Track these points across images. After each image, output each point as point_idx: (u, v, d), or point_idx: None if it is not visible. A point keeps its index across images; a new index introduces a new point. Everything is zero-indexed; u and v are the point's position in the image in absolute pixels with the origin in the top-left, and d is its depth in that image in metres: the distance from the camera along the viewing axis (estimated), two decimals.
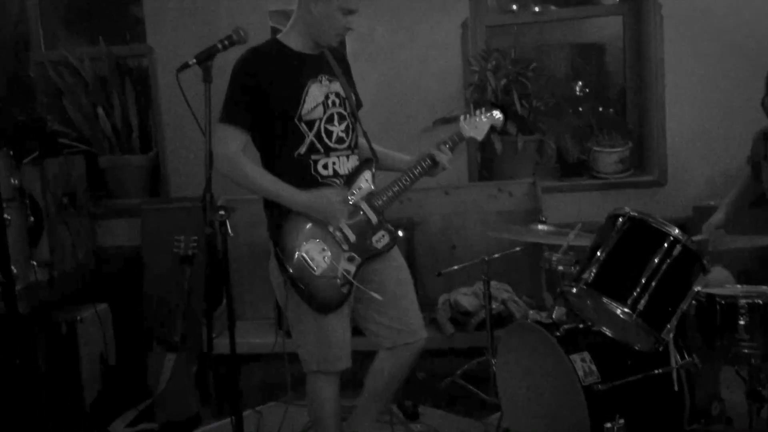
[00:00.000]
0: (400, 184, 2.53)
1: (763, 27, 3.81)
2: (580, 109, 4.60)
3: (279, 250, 2.37)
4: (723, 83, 3.84)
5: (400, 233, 2.59)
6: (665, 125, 4.01)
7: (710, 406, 2.72)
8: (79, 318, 3.63)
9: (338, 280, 2.40)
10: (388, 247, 2.51)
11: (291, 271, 2.35)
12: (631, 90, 4.31)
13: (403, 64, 4.16)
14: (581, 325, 2.65)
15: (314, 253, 2.37)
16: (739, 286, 2.63)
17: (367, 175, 2.52)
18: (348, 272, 2.41)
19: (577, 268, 2.54)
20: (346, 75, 2.57)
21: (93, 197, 4.20)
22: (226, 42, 2.16)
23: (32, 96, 4.44)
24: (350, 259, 2.43)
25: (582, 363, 2.46)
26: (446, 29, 4.11)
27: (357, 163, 2.55)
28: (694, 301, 2.47)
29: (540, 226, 3.13)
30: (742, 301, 2.37)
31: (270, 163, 2.44)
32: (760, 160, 2.94)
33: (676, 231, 2.37)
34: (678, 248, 2.35)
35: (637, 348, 2.48)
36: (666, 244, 2.36)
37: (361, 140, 2.64)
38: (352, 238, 2.45)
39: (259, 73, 2.36)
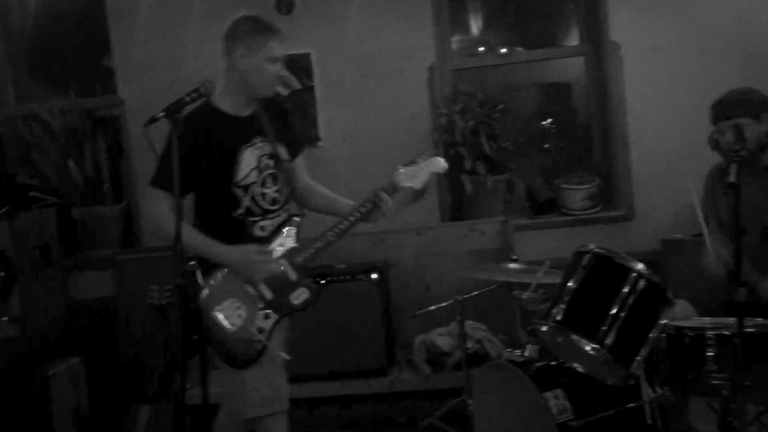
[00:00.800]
0: (325, 240, 2.52)
1: (718, 63, 3.95)
2: (547, 147, 4.69)
3: (195, 309, 2.37)
4: (683, 118, 3.95)
5: (319, 284, 2.60)
6: (630, 161, 4.11)
7: None
8: (51, 373, 3.58)
9: (253, 339, 2.42)
10: (307, 302, 2.51)
11: (205, 329, 2.36)
12: (597, 128, 4.41)
13: (372, 109, 4.24)
14: (554, 362, 2.67)
15: (229, 312, 2.41)
16: (706, 318, 2.68)
17: (289, 231, 2.54)
18: (262, 330, 2.43)
19: (547, 305, 2.57)
20: (279, 127, 2.60)
21: (65, 249, 4.18)
22: (194, 95, 2.19)
23: (1, 151, 4.45)
24: (266, 317, 2.46)
25: (555, 400, 2.49)
26: (413, 74, 4.21)
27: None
28: (663, 334, 2.51)
29: (511, 265, 3.17)
30: (710, 333, 2.39)
31: (207, 223, 2.48)
32: (714, 199, 2.99)
33: (640, 266, 2.41)
34: (642, 282, 2.39)
35: (609, 383, 2.50)
36: (630, 279, 2.40)
37: (309, 182, 2.73)
38: (269, 295, 2.47)
39: (192, 142, 2.37)
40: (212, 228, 2.46)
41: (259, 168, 2.50)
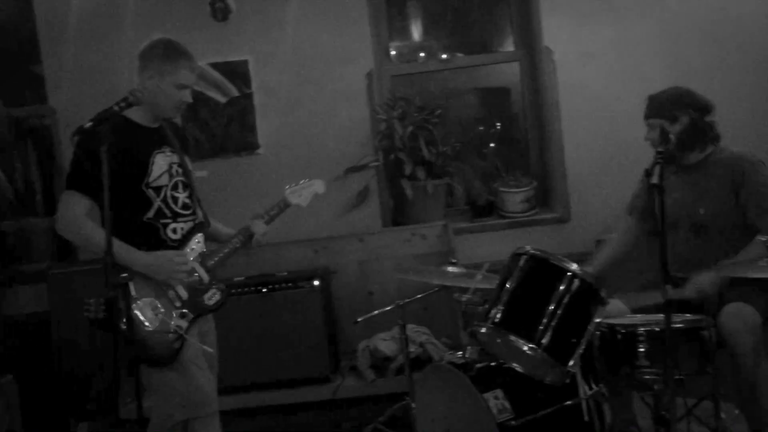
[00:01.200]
0: (232, 245, 2.70)
1: (646, 66, 4.08)
2: (486, 151, 4.76)
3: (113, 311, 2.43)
4: (615, 121, 4.07)
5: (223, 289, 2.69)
6: (565, 164, 4.21)
7: (627, 431, 2.82)
8: None
9: (170, 336, 2.50)
10: (218, 304, 2.64)
11: (124, 328, 2.36)
12: (532, 132, 4.50)
13: (311, 115, 4.24)
14: (494, 363, 2.71)
15: (147, 311, 2.48)
16: (637, 315, 2.76)
17: (199, 237, 2.65)
18: (180, 327, 2.53)
19: (485, 307, 2.61)
20: (181, 144, 2.74)
21: None
22: (123, 104, 2.17)
23: None
24: (182, 316, 2.55)
25: (495, 400, 2.52)
26: (352, 80, 4.22)
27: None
28: (597, 332, 2.58)
29: (450, 268, 3.20)
30: (641, 329, 2.47)
31: (119, 228, 2.45)
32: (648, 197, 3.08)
33: (574, 266, 2.47)
34: (576, 282, 2.45)
35: (547, 381, 2.55)
36: (565, 280, 2.45)
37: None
38: (185, 295, 2.57)
39: (104, 143, 2.37)
40: (122, 232, 2.47)
41: (170, 173, 2.61)
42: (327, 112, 4.24)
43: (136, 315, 2.45)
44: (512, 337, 2.46)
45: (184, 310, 2.56)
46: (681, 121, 2.77)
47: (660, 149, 2.35)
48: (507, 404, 2.52)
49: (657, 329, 2.45)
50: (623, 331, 2.50)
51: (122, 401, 3.35)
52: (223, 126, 4.23)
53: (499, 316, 2.50)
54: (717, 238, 2.84)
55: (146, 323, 2.47)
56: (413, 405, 3.00)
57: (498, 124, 4.89)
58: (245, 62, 4.20)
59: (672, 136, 2.53)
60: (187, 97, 2.62)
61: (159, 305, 2.52)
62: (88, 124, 2.11)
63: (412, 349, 3.54)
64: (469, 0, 4.66)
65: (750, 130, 3.98)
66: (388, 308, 3.35)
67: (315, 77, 4.23)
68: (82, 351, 3.62)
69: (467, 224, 4.33)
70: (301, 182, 2.86)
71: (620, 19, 4.15)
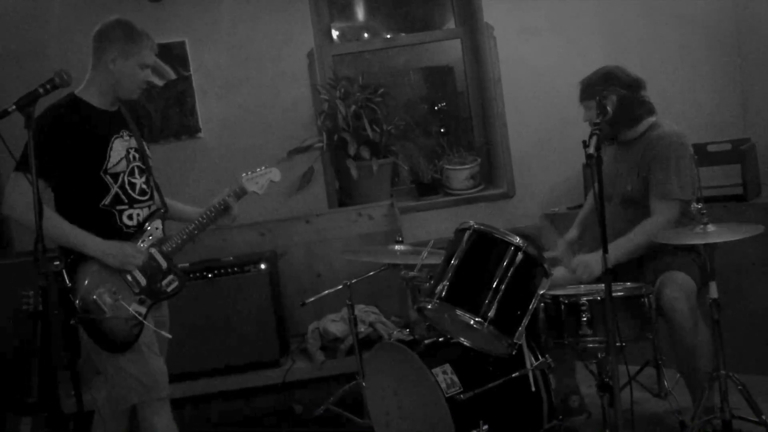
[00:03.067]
0: (189, 231, 2.66)
1: (584, 42, 4.13)
2: (430, 130, 4.77)
3: (71, 294, 2.44)
4: (555, 96, 4.11)
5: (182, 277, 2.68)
6: (508, 140, 4.24)
7: (569, 399, 2.88)
8: None
9: (129, 321, 2.50)
10: (177, 290, 2.64)
11: (81, 313, 2.43)
12: (476, 109, 4.52)
13: (252, 96, 4.16)
14: (441, 339, 2.73)
15: (105, 296, 2.47)
16: (581, 286, 2.81)
17: (157, 223, 2.64)
18: (139, 313, 2.52)
19: (431, 283, 2.62)
20: (139, 127, 2.72)
21: None
22: (48, 86, 2.09)
23: None
24: (141, 302, 2.55)
25: (444, 375, 2.54)
26: (292, 60, 4.16)
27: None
28: (541, 304, 2.61)
29: (396, 247, 3.20)
30: (583, 299, 2.52)
31: (73, 214, 2.49)
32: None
33: (518, 240, 2.50)
34: (520, 256, 2.48)
35: (494, 354, 2.58)
36: (509, 253, 2.48)
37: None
38: (143, 281, 2.56)
39: (61, 129, 2.42)
40: (77, 218, 2.47)
41: (127, 158, 2.57)
42: (268, 93, 4.17)
43: (94, 300, 2.44)
44: (458, 312, 2.48)
45: (142, 296, 2.55)
46: (611, 99, 2.80)
47: (596, 120, 2.38)
48: (455, 378, 2.54)
49: (599, 298, 2.50)
50: (566, 301, 2.55)
51: (63, 394, 3.27)
52: (161, 110, 4.13)
53: (444, 291, 2.52)
54: (641, 212, 2.86)
55: (105, 308, 2.46)
56: (364, 384, 3.00)
57: (441, 102, 4.90)
58: (182, 43, 4.10)
59: (609, 108, 2.55)
60: (148, 76, 2.62)
61: (117, 291, 2.50)
62: (12, 107, 2.02)
63: (362, 329, 3.54)
64: None
65: (687, 104, 4.08)
66: (335, 289, 3.34)
67: (255, 58, 4.16)
68: (21, 344, 3.49)
69: (414, 203, 4.34)
70: (258, 170, 2.80)
71: None
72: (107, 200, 2.52)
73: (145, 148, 2.69)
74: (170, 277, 2.63)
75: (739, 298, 3.30)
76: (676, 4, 4.16)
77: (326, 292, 3.38)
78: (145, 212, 2.63)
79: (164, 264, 2.61)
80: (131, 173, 2.59)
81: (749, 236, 2.46)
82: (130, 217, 2.58)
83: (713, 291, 2.55)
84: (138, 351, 2.52)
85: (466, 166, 4.33)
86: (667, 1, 4.17)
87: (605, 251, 2.23)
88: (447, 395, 2.47)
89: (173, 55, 4.09)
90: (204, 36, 4.12)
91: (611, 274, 2.25)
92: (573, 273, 2.85)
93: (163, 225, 2.65)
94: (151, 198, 2.68)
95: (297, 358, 3.74)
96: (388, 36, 4.56)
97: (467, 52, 4.46)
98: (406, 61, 4.91)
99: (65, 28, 4.02)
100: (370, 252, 3.34)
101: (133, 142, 2.63)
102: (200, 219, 2.67)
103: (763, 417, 2.58)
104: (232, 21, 4.13)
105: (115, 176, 2.53)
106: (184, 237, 2.65)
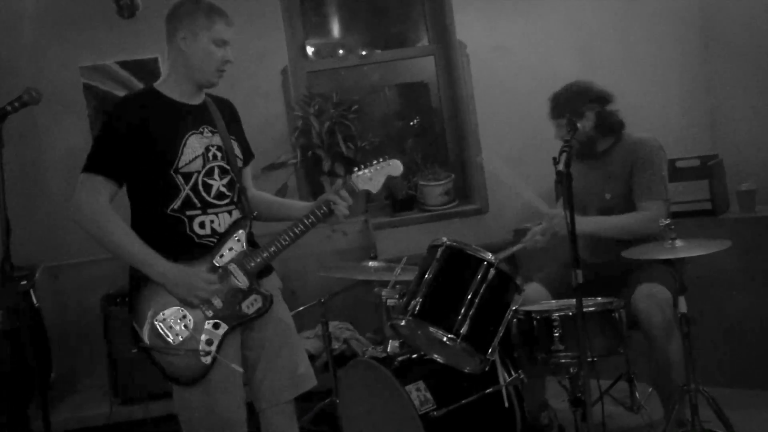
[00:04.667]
0: (278, 244, 2.33)
1: (556, 59, 4.18)
2: (405, 146, 4.79)
3: (133, 318, 2.20)
4: (527, 113, 4.13)
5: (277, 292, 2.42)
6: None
7: (539, 415, 2.89)
8: None
9: (200, 351, 2.20)
10: (260, 312, 2.31)
11: (145, 341, 2.17)
12: (450, 125, 4.55)
13: None
14: (414, 356, 2.72)
15: (172, 321, 2.19)
16: (553, 301, 2.83)
17: (239, 235, 2.31)
18: (211, 341, 2.22)
19: (404, 300, 2.62)
20: (232, 126, 2.43)
21: None
22: (16, 104, 2.03)
23: None
24: (215, 326, 2.24)
25: (417, 392, 2.53)
26: (266, 77, 4.17)
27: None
28: (514, 319, 2.63)
29: (370, 263, 3.20)
30: (555, 315, 2.53)
31: (142, 219, 2.27)
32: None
33: (490, 256, 2.51)
34: (492, 272, 2.49)
35: (467, 371, 2.58)
36: (482, 269, 2.49)
37: (255, 192, 2.54)
38: (219, 304, 2.26)
39: (134, 121, 2.19)
40: (146, 225, 2.24)
41: (205, 156, 2.27)
42: (242, 109, 4.03)
43: (158, 326, 2.17)
44: (431, 328, 2.48)
45: (217, 320, 2.24)
46: (587, 116, 2.86)
47: (566, 138, 2.41)
48: (429, 395, 2.53)
49: (570, 314, 2.52)
50: (538, 317, 2.56)
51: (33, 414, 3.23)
52: None
53: (417, 307, 2.51)
54: None
55: (171, 336, 2.17)
56: (338, 401, 2.99)
57: (416, 118, 4.92)
58: (155, 60, 4.08)
59: (579, 125, 2.59)
60: (228, 55, 2.31)
61: (188, 315, 2.21)
62: None
63: (336, 345, 3.53)
64: None
65: (657, 120, 4.14)
66: (308, 306, 3.34)
67: (228, 74, 4.05)
68: None
69: (388, 219, 4.34)
70: (374, 163, 2.45)
71: (530, 13, 4.24)
72: (177, 204, 2.23)
73: (234, 147, 2.37)
74: (252, 297, 2.29)
75: (713, 312, 3.34)
76: (647, 22, 4.24)
77: (300, 308, 3.37)
78: (223, 219, 2.30)
79: (245, 283, 2.28)
80: (209, 173, 2.27)
81: (717, 251, 2.49)
82: (202, 225, 2.26)
83: (683, 305, 2.58)
84: (208, 388, 2.22)
85: (440, 182, 4.35)
86: (639, 19, 4.24)
87: (576, 267, 2.24)
88: (420, 412, 2.47)
89: (147, 71, 4.07)
90: None
91: (581, 288, 2.27)
92: (549, 221, 2.88)
93: (247, 236, 2.32)
94: (235, 203, 2.34)
95: None
96: (363, 53, 4.58)
97: (441, 70, 4.50)
98: (381, 78, 4.93)
99: (37, 46, 3.99)
100: (345, 268, 3.33)
101: (217, 140, 2.31)
102: (295, 229, 2.34)
103: (734, 430, 2.60)
104: None
105: (187, 176, 2.23)
106: (272, 250, 2.32)
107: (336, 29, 4.81)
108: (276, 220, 2.52)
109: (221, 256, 2.28)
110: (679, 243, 2.53)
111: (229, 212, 2.32)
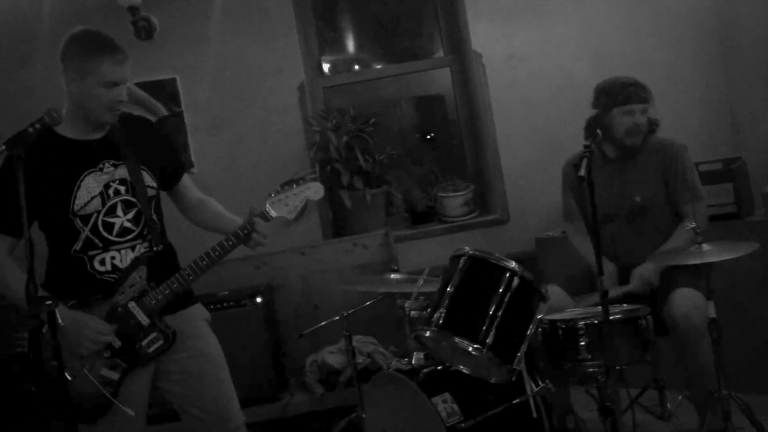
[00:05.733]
0: (181, 277, 2.26)
1: (570, 66, 4.16)
2: (423, 158, 4.79)
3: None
4: (546, 122, 4.14)
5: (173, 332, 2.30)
6: (501, 166, 4.25)
7: (565, 420, 2.84)
8: None
9: (96, 391, 2.19)
10: (161, 350, 2.28)
11: (46, 379, 2.09)
12: (467, 135, 4.54)
13: (243, 131, 4.19)
14: (440, 367, 2.70)
15: (71, 361, 2.16)
16: (579, 309, 2.79)
17: (140, 270, 2.27)
18: (109, 381, 2.21)
19: (428, 311, 2.60)
20: (147, 150, 2.36)
21: None
22: (38, 125, 2.00)
23: None
24: (113, 367, 2.23)
25: (444, 404, 2.50)
26: (283, 94, 4.19)
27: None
28: (539, 329, 2.59)
29: (392, 275, 3.19)
30: (581, 323, 2.50)
31: (52, 260, 2.30)
32: (575, 188, 3.12)
33: (513, 264, 2.48)
34: (516, 280, 2.46)
35: (493, 381, 2.55)
36: (505, 278, 2.46)
37: (201, 198, 2.54)
38: (117, 343, 2.23)
39: (27, 171, 2.02)
40: (55, 265, 2.28)
41: (104, 195, 2.26)
42: (260, 126, 4.19)
43: (56, 365, 2.04)
44: (456, 339, 2.45)
45: (116, 360, 2.22)
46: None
47: (586, 143, 2.39)
48: (456, 407, 2.50)
49: (596, 322, 2.49)
50: (564, 326, 2.53)
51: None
52: None
53: (442, 318, 2.49)
54: (651, 222, 2.91)
55: (68, 376, 2.10)
56: (364, 416, 2.97)
57: (434, 130, 4.92)
58: (173, 80, 4.12)
59: (641, 121, 2.62)
60: (120, 95, 2.23)
61: (83, 355, 2.19)
62: (1, 148, 1.96)
63: (360, 360, 3.51)
64: (398, 9, 4.69)
65: (677, 124, 4.09)
66: (331, 320, 3.32)
67: (245, 92, 4.18)
68: (13, 388, 3.45)
69: (408, 231, 4.33)
70: (289, 188, 2.34)
71: (545, 20, 4.23)
72: (78, 245, 2.24)
73: (144, 177, 2.32)
74: (153, 335, 2.25)
75: (742, 316, 3.29)
76: (663, 28, 4.21)
77: (323, 323, 3.36)
78: (126, 255, 2.28)
79: (145, 321, 2.25)
80: (110, 211, 2.26)
81: (745, 254, 2.45)
82: (102, 261, 2.25)
83: (712, 310, 2.53)
84: (110, 423, 2.21)
85: (460, 193, 4.34)
86: (653, 24, 4.22)
87: (600, 273, 2.21)
88: (448, 424, 2.44)
89: (165, 92, 4.11)
90: (194, 72, 4.15)
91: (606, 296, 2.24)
92: (639, 280, 2.83)
93: (147, 272, 2.27)
94: (141, 236, 2.31)
95: (296, 391, 3.70)
96: (379, 67, 4.59)
97: (457, 81, 4.50)
98: (397, 91, 4.95)
99: (54, 69, 4.03)
100: (366, 282, 3.32)
101: (121, 172, 2.28)
102: (212, 253, 2.27)
103: None
104: (222, 56, 4.16)
105: (85, 218, 2.23)
106: (174, 286, 2.26)
107: (351, 44, 4.84)
108: (212, 231, 2.49)
109: (122, 294, 2.26)
110: (706, 247, 2.49)
111: (132, 247, 2.29)
